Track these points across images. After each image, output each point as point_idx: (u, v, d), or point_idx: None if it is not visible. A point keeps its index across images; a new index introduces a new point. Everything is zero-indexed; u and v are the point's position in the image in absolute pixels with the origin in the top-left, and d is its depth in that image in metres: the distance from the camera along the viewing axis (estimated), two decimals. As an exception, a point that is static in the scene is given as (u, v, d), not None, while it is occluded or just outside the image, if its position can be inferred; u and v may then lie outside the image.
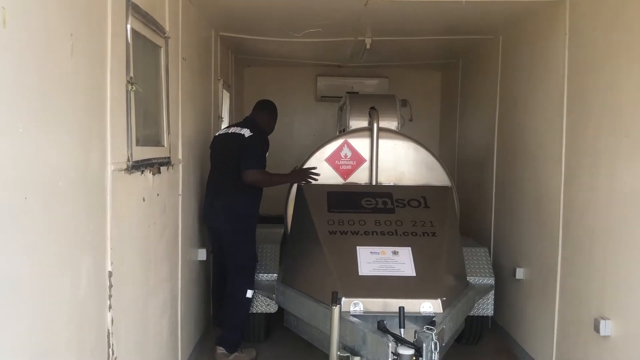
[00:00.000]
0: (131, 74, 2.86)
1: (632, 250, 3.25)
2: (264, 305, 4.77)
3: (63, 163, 2.14)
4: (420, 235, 4.02)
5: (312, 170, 4.57)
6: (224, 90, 6.10)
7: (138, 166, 2.99)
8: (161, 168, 3.48)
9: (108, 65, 2.57)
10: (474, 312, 4.77)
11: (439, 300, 3.54)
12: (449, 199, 4.40)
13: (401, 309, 3.19)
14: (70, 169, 2.20)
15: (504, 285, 5.28)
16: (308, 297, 3.79)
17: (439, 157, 4.52)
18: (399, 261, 3.81)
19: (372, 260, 3.81)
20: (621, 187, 3.37)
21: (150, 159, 3.24)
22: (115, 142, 2.66)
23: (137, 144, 3.01)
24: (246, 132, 4.62)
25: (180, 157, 4.04)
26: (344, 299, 3.53)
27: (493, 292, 4.81)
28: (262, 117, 4.86)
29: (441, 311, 3.52)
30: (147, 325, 3.23)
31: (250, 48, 6.82)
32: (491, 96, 5.82)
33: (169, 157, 3.65)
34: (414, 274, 3.72)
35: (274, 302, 4.38)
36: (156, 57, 3.52)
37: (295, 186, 4.56)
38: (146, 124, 3.41)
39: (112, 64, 2.60)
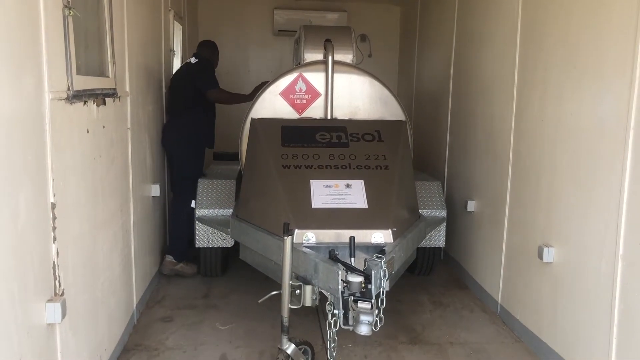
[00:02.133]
0: (68, -2, 2.71)
1: (574, 181, 3.34)
2: (220, 240, 4.80)
3: (-7, 89, 2.04)
4: (373, 169, 4.03)
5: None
6: (175, 22, 5.88)
7: (80, 96, 2.88)
8: (106, 99, 3.36)
9: (40, -13, 2.42)
10: (426, 243, 4.90)
11: (389, 231, 3.59)
12: (403, 133, 4.40)
13: (351, 238, 3.23)
14: (2, 98, 2.10)
15: (456, 218, 5.41)
16: (262, 230, 3.80)
17: (395, 92, 4.51)
18: (351, 194, 3.83)
19: (325, 193, 3.82)
20: (566, 119, 3.43)
21: (93, 89, 3.12)
22: (52, 70, 2.54)
23: (79, 72, 2.88)
24: (192, 59, 5.40)
25: (127, 89, 3.91)
26: (296, 231, 3.56)
27: (445, 224, 4.93)
28: (205, 53, 5.50)
29: (392, 241, 3.57)
30: (97, 259, 3.20)
31: (204, -22, 6.57)
32: (448, 31, 5.77)
33: (114, 89, 3.53)
34: (366, 206, 3.75)
35: (229, 236, 4.39)
36: (97, -18, 3.34)
37: (249, 121, 4.49)
38: (88, 53, 3.27)
39: (44, -15, 2.45)
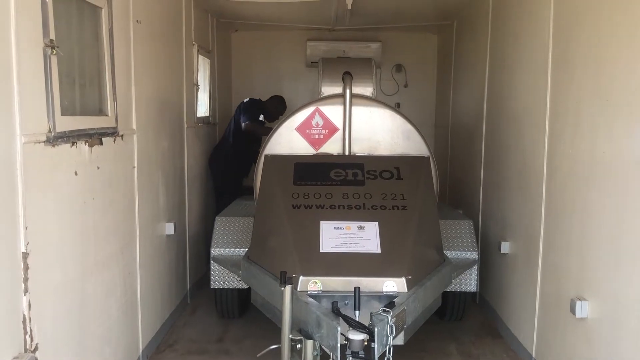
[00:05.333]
0: (51, 37, 2.60)
1: (610, 226, 2.97)
2: (236, 280, 4.59)
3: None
4: (389, 209, 3.76)
5: None
6: (200, 56, 5.81)
7: (66, 137, 2.75)
8: (104, 139, 3.24)
9: (12, 27, 2.31)
10: (456, 287, 4.55)
11: (403, 279, 3.30)
12: (425, 169, 4.12)
13: (356, 289, 2.94)
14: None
15: (491, 259, 5.03)
16: (269, 275, 3.57)
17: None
18: (364, 237, 3.56)
19: (335, 236, 3.56)
20: (601, 157, 3.07)
21: (85, 130, 3.00)
22: (27, 112, 2.41)
23: (66, 113, 2.77)
24: (246, 99, 6.67)
25: (134, 126, 3.80)
26: (301, 278, 3.32)
27: (476, 267, 4.56)
28: (271, 101, 6.82)
29: (405, 290, 3.27)
30: (87, 307, 3.03)
31: (234, 11, 6.51)
32: (481, 59, 5.47)
33: (114, 127, 3.41)
34: (379, 251, 3.47)
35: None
36: (95, 19, 3.25)
37: (263, 157, 4.31)
38: (84, 92, 3.17)
39: (18, 24, 2.34)
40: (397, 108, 4.47)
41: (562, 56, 3.62)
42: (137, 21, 3.85)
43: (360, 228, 3.61)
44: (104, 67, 3.33)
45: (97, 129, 3.17)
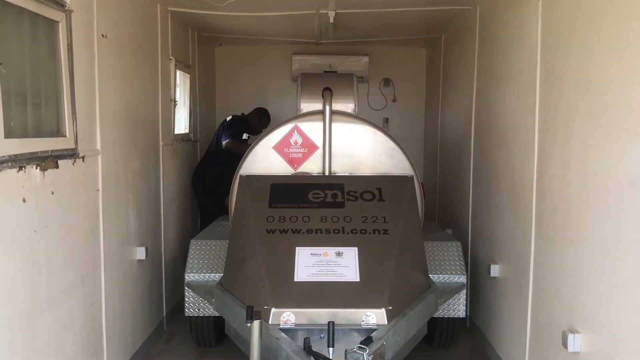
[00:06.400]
0: (-8, 53, 2.39)
1: (602, 254, 2.74)
2: (211, 308, 4.34)
3: None
4: (370, 233, 3.54)
5: None
6: (178, 71, 5.60)
7: (11, 162, 2.53)
8: (60, 162, 3.01)
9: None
10: (443, 314, 4.31)
11: (383, 310, 3.07)
12: (409, 189, 3.90)
13: (330, 324, 2.72)
14: None
15: (481, 282, 4.80)
16: (241, 305, 3.33)
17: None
18: (342, 264, 3.33)
19: (311, 263, 3.33)
20: (593, 179, 2.85)
21: (36, 153, 2.77)
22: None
23: (11, 135, 2.55)
24: (228, 117, 6.53)
25: (98, 146, 3.58)
26: (273, 310, 3.09)
27: (465, 291, 4.33)
28: (251, 114, 6.68)
29: (385, 323, 3.05)
30: (37, 344, 2.79)
31: (216, 25, 6.31)
32: (469, 73, 5.28)
33: (74, 148, 3.19)
34: (358, 279, 3.24)
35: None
36: (51, 34, 3.04)
37: (238, 177, 4.09)
38: (38, 112, 2.94)
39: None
40: (378, 125, 4.24)
41: (551, 71, 3.42)
42: (102, 35, 3.64)
43: (339, 254, 3.39)
44: (62, 84, 3.11)
45: (53, 151, 2.94)
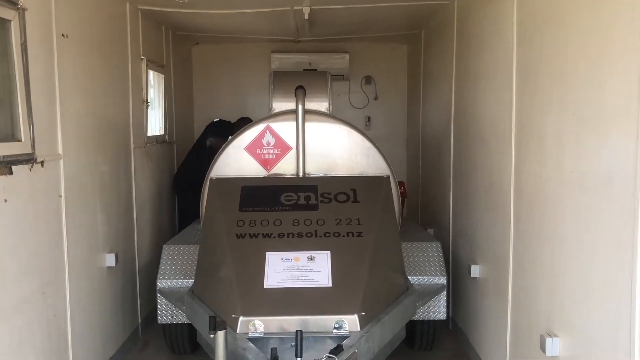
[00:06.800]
0: None
1: (579, 256, 2.64)
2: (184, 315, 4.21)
3: None
4: (343, 236, 3.43)
5: None
6: (151, 71, 5.46)
7: (-45, 169, 2.39)
8: (15, 167, 2.87)
9: None
10: (424, 316, 4.21)
11: (355, 316, 2.96)
12: (384, 190, 3.79)
13: (298, 333, 2.60)
14: None
15: (462, 282, 4.70)
16: (209, 313, 3.21)
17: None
18: (314, 269, 3.21)
19: (282, 268, 3.22)
20: (569, 177, 2.75)
21: (-15, 158, 2.64)
22: None
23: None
24: (215, 119, 6.56)
25: (60, 151, 3.43)
26: (241, 319, 2.97)
27: (445, 293, 4.22)
28: (238, 123, 6.31)
29: (358, 329, 2.94)
30: (-9, 361, 2.65)
31: (191, 24, 6.17)
32: (448, 69, 5.17)
33: (30, 153, 3.05)
34: (330, 285, 3.13)
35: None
36: (2, 34, 2.89)
37: (208, 180, 3.96)
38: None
39: None
40: (354, 124, 4.12)
41: (527, 66, 3.32)
42: (63, 35, 3.50)
43: (310, 259, 3.27)
44: (16, 86, 2.96)
45: (5, 156, 2.80)
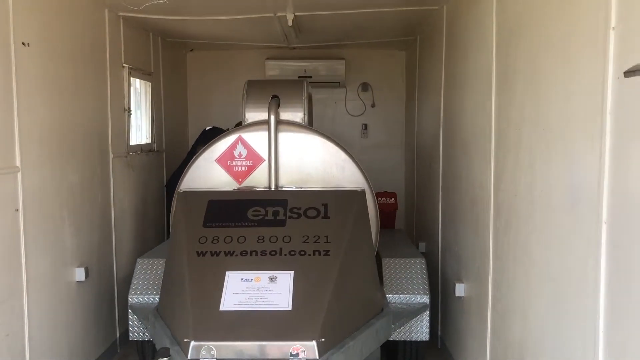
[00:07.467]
0: None
1: (549, 278, 2.44)
2: (154, 332, 4.06)
3: None
4: (309, 255, 3.24)
5: None
6: (134, 79, 5.34)
7: None
8: (-41, 182, 2.75)
9: None
10: (405, 336, 4.00)
11: (314, 343, 2.77)
12: (358, 205, 3.60)
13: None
14: None
15: (449, 301, 4.49)
16: (167, 335, 3.05)
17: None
18: (274, 290, 3.04)
19: (241, 289, 3.04)
20: (539, 196, 2.55)
21: None
22: None
23: None
24: (208, 127, 6.18)
25: (17, 163, 3.31)
26: (193, 344, 2.79)
27: (427, 312, 4.01)
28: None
29: (316, 357, 2.75)
30: None
31: (179, 30, 6.05)
32: (437, 77, 4.97)
33: (-21, 167, 2.93)
34: (290, 308, 2.94)
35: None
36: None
37: (176, 193, 3.81)
38: None
39: None
40: (329, 135, 3.93)
41: (505, 74, 3.12)
42: (23, 44, 3.38)
43: (272, 279, 3.09)
44: (-38, 97, 2.85)
45: (-53, 170, 2.68)
